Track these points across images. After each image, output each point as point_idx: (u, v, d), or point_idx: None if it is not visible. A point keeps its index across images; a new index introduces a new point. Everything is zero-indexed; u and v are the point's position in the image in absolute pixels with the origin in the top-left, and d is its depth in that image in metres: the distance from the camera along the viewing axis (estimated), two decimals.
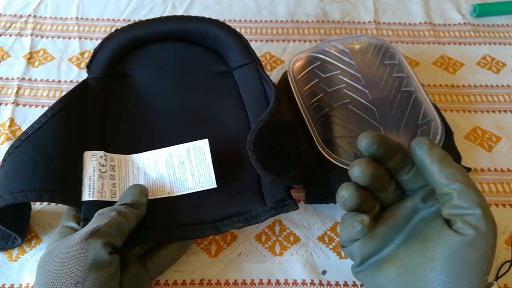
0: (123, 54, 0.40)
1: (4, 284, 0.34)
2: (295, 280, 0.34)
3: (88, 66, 0.38)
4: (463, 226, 0.24)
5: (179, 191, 0.34)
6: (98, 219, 0.29)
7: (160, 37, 0.41)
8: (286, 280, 0.34)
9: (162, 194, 0.34)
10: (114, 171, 0.34)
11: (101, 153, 0.34)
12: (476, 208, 0.24)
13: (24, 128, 0.43)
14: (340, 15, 0.56)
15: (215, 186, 0.33)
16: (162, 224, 0.32)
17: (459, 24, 0.55)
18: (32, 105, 0.45)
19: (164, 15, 0.55)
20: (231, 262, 0.35)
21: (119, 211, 0.29)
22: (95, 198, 0.31)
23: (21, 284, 0.34)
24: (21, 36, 0.52)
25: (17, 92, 0.46)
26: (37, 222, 0.37)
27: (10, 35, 0.52)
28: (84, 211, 0.31)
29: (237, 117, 0.37)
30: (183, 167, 0.34)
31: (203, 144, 0.34)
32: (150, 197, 0.33)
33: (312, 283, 0.34)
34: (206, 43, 0.41)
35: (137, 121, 0.37)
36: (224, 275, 0.34)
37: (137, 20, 0.54)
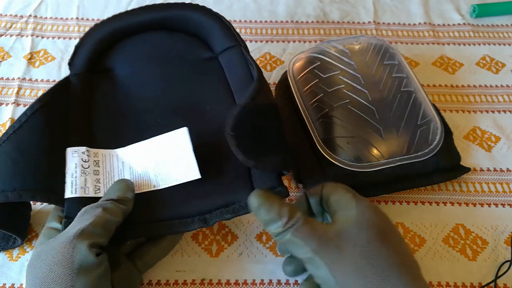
0: (105, 48, 0.39)
1: (4, 284, 0.34)
2: (296, 280, 0.34)
3: (70, 63, 0.37)
4: (313, 276, 0.27)
5: (165, 184, 0.33)
6: (82, 219, 0.28)
7: (141, 28, 0.40)
8: (287, 280, 0.34)
9: (147, 188, 0.33)
10: (98, 166, 0.33)
11: (83, 148, 0.33)
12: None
13: None
14: (339, 15, 0.56)
15: (199, 176, 0.32)
16: (148, 218, 0.31)
17: (459, 24, 0.55)
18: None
19: None
20: (232, 262, 0.35)
21: (104, 207, 0.28)
22: (77, 195, 0.31)
23: (22, 284, 0.34)
24: (22, 36, 0.52)
25: (17, 92, 0.46)
26: (37, 222, 0.37)
27: (11, 36, 0.52)
28: (67, 209, 0.30)
29: (225, 104, 0.36)
30: (165, 159, 0.33)
31: (182, 133, 0.33)
32: (135, 192, 0.32)
33: None
34: (188, 29, 0.40)
35: (122, 115, 0.36)
36: (225, 275, 0.34)
37: None
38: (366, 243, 0.25)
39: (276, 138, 0.32)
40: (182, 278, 0.34)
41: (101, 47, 0.39)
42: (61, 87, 0.36)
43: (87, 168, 0.32)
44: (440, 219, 0.38)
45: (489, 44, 0.53)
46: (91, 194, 0.31)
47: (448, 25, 0.55)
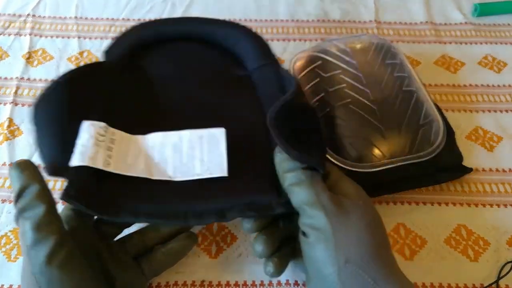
0: (143, 47, 0.40)
1: (3, 285, 0.33)
2: (296, 281, 0.34)
3: (107, 52, 0.38)
4: (306, 230, 0.27)
5: (183, 177, 0.32)
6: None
7: (181, 36, 0.41)
8: (287, 280, 0.34)
9: (162, 176, 0.32)
10: (113, 145, 0.31)
11: (102, 124, 0.32)
12: (314, 212, 0.27)
13: (23, 128, 0.43)
14: (340, 14, 0.56)
15: (226, 174, 0.31)
16: (161, 210, 0.30)
17: (460, 23, 0.55)
18: (31, 105, 0.45)
19: (164, 14, 0.55)
20: (231, 263, 0.35)
21: (31, 222, 0.25)
22: (85, 163, 0.29)
23: (20, 285, 0.33)
24: (20, 35, 0.52)
25: (16, 92, 0.46)
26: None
27: (9, 35, 0.52)
28: (69, 181, 0.28)
29: (254, 114, 0.36)
30: (192, 153, 0.32)
31: (219, 133, 0.33)
32: (149, 177, 0.31)
33: None
34: (226, 45, 0.41)
35: (147, 107, 0.36)
36: (224, 276, 0.34)
37: (136, 20, 0.55)
38: (370, 220, 0.27)
39: (316, 137, 0.32)
40: (182, 279, 0.34)
41: (139, 43, 0.40)
42: (91, 68, 0.37)
43: (101, 141, 0.31)
44: (441, 220, 0.37)
45: (491, 43, 0.53)
46: (99, 165, 0.30)
47: (450, 24, 0.55)
